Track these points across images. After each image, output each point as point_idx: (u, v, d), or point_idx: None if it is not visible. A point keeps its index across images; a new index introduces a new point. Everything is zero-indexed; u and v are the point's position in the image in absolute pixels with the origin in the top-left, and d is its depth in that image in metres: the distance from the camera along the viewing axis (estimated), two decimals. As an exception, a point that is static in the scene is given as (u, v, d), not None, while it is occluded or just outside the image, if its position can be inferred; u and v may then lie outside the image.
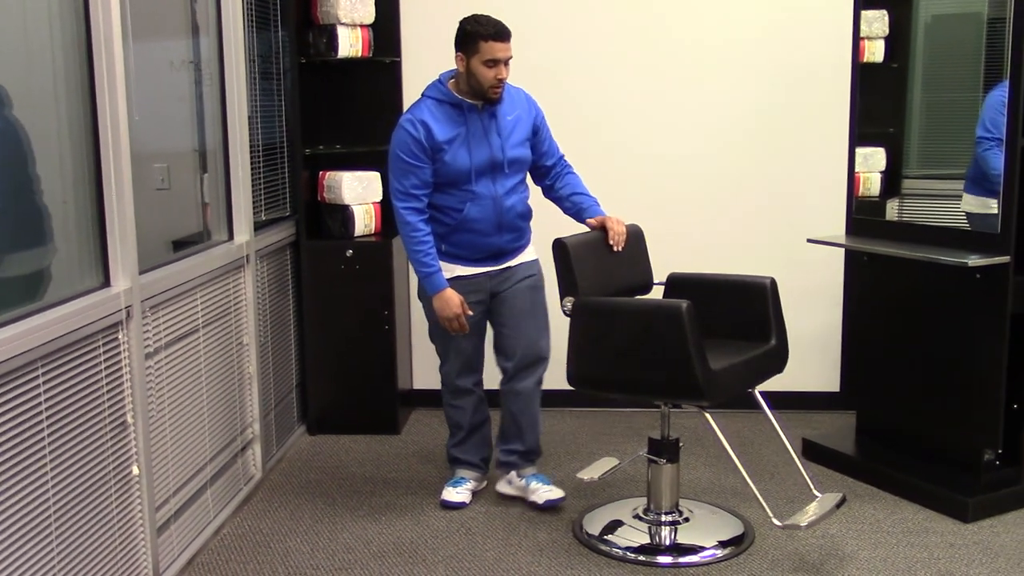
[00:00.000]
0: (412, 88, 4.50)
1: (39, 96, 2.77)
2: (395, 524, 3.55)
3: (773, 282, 3.39)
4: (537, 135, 3.57)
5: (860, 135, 4.03)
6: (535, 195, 3.66)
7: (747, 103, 4.54)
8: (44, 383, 2.45)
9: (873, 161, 4.07)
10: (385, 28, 4.51)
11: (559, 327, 3.47)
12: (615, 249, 3.49)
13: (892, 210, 4.10)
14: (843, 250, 4.41)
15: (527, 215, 3.59)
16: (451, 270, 3.49)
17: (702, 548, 3.31)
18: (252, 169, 3.94)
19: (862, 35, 3.97)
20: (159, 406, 3.07)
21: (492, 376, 3.73)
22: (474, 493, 3.75)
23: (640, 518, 3.45)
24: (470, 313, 3.50)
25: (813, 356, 4.58)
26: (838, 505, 3.24)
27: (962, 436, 3.62)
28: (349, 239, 4.36)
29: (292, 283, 4.40)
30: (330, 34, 4.28)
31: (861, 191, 4.05)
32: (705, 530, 3.42)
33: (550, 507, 3.59)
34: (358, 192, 4.38)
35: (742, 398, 3.40)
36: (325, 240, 4.40)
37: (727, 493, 3.77)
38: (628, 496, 3.71)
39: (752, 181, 4.58)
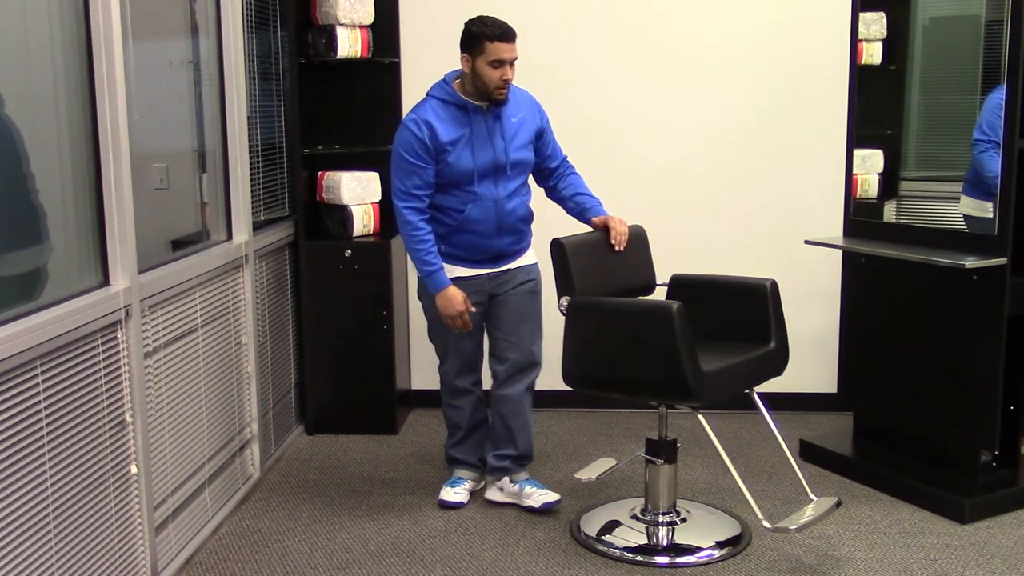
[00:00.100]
0: (411, 89, 4.51)
1: (39, 96, 2.77)
2: (393, 524, 3.55)
3: (774, 284, 3.39)
4: (541, 138, 3.58)
5: (858, 137, 4.04)
6: (537, 197, 3.67)
7: (745, 105, 4.55)
8: (43, 382, 2.45)
9: (871, 163, 4.08)
10: (384, 29, 4.51)
11: (555, 327, 3.47)
12: (617, 249, 3.50)
13: (890, 212, 4.11)
14: (841, 251, 4.42)
15: (528, 218, 3.59)
16: (450, 271, 3.49)
17: (699, 548, 3.31)
18: (251, 169, 3.95)
19: (860, 37, 3.97)
20: (158, 405, 3.07)
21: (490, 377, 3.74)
22: (472, 493, 3.75)
23: (637, 518, 3.46)
24: (473, 310, 3.50)
25: (811, 357, 4.58)
26: (832, 509, 3.24)
27: (959, 437, 3.63)
28: (348, 239, 4.37)
29: (291, 283, 4.40)
30: (329, 34, 4.28)
31: (859, 193, 4.05)
32: (702, 531, 3.43)
33: (547, 510, 3.60)
34: (357, 192, 4.38)
35: (740, 399, 3.41)
36: (324, 240, 4.41)
37: (724, 494, 3.78)
38: (626, 496, 3.72)
39: (750, 182, 4.59)
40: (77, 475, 2.61)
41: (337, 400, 4.44)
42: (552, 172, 3.66)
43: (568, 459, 4.14)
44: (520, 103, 3.52)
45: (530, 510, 3.61)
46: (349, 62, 4.42)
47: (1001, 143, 3.38)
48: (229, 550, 3.36)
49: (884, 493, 3.75)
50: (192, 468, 3.35)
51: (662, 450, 3.40)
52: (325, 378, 4.43)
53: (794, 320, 3.40)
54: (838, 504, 3.26)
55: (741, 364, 3.25)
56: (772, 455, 4.12)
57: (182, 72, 3.67)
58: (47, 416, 2.47)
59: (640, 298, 3.55)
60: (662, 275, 3.63)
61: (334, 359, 4.40)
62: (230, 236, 3.79)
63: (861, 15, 3.96)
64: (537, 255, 3.65)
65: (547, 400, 4.41)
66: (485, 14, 3.39)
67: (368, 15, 4.39)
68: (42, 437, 2.46)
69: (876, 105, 4.07)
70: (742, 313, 3.40)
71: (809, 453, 4.10)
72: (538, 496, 3.61)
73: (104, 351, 2.73)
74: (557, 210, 3.70)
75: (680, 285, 3.57)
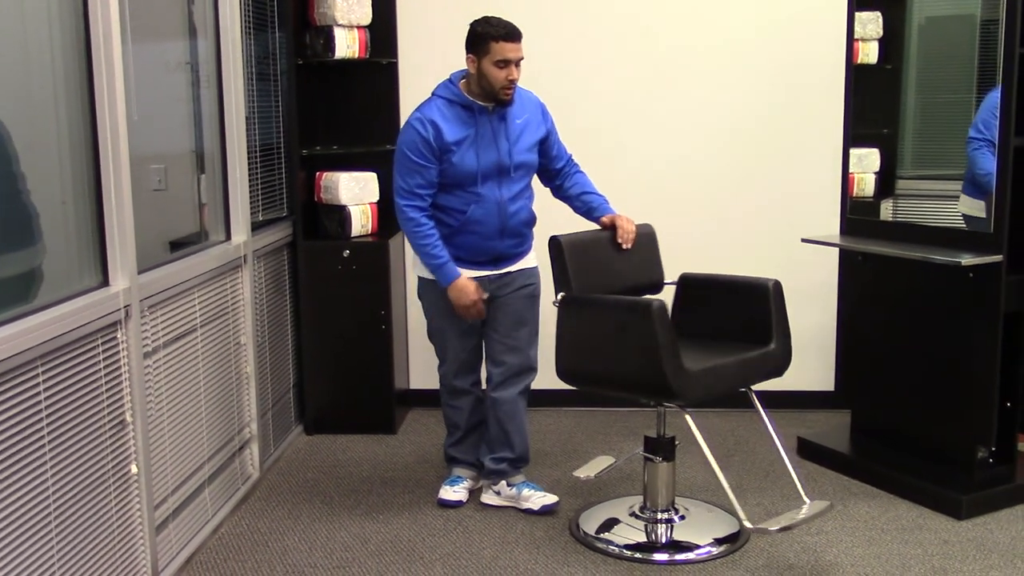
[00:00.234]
0: (409, 89, 4.52)
1: (39, 97, 2.78)
2: (392, 522, 3.56)
3: (777, 284, 3.38)
4: (546, 141, 3.58)
5: (854, 136, 4.05)
6: (540, 199, 3.66)
7: (742, 104, 4.56)
8: (44, 381, 2.46)
9: (867, 162, 4.09)
10: (382, 29, 4.52)
11: (554, 327, 3.47)
12: (624, 247, 3.51)
13: (886, 210, 4.13)
14: (838, 250, 4.44)
15: (531, 222, 3.59)
16: None
17: (698, 546, 3.33)
18: (249, 170, 3.95)
19: (856, 36, 3.99)
20: (157, 405, 3.08)
21: (489, 375, 3.74)
22: (471, 492, 3.76)
23: (636, 516, 3.47)
24: (486, 296, 3.50)
25: (808, 355, 4.59)
26: (823, 512, 3.22)
27: (956, 434, 3.64)
28: (346, 239, 4.38)
29: (289, 283, 4.41)
30: (327, 35, 4.29)
31: (856, 192, 4.07)
32: (701, 528, 3.44)
33: (546, 512, 3.60)
34: (355, 193, 4.39)
35: (739, 397, 3.42)
36: (322, 240, 4.41)
37: (722, 491, 3.76)
38: (624, 494, 3.73)
39: (748, 182, 4.60)
40: (78, 475, 2.62)
41: (336, 400, 4.45)
42: (558, 172, 3.67)
43: (567, 457, 4.15)
44: (525, 105, 3.52)
45: (529, 512, 3.62)
46: (347, 63, 4.43)
47: (996, 141, 3.40)
48: (229, 549, 3.37)
49: (881, 490, 3.76)
50: (192, 468, 3.36)
51: (660, 448, 3.41)
52: (324, 378, 4.44)
53: (792, 318, 3.41)
54: (829, 507, 3.25)
55: (733, 364, 3.26)
56: (770, 453, 4.13)
57: (180, 73, 3.68)
58: (48, 416, 2.48)
59: (626, 296, 3.54)
60: (666, 275, 3.64)
61: (333, 359, 4.41)
62: (229, 237, 3.80)
63: (857, 15, 3.97)
64: (539, 258, 3.64)
65: (546, 399, 4.42)
66: (485, 15, 3.40)
67: (366, 16, 4.40)
68: (43, 437, 2.47)
69: (872, 104, 4.08)
70: (746, 313, 3.41)
71: (807, 451, 4.11)
72: (536, 499, 3.62)
73: (104, 351, 2.74)
74: (561, 212, 3.70)
75: (688, 284, 3.59)
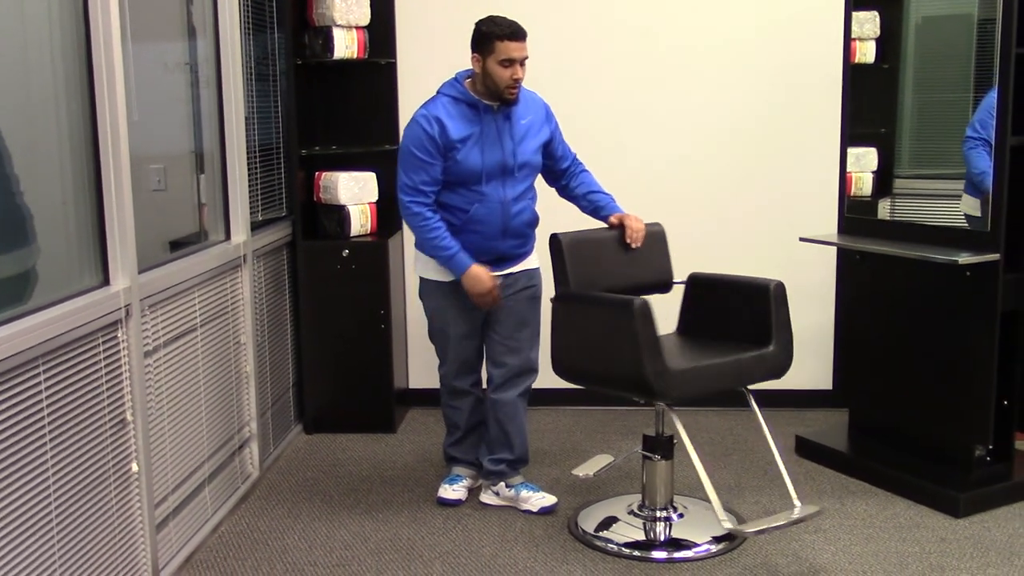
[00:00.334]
0: (408, 89, 4.53)
1: (39, 97, 2.79)
2: (392, 521, 3.57)
3: (778, 286, 3.37)
4: (551, 142, 3.59)
5: (852, 135, 4.06)
6: (544, 199, 3.66)
7: (740, 104, 4.57)
8: (45, 380, 2.47)
9: (865, 161, 4.11)
10: (380, 30, 4.53)
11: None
12: (633, 246, 3.52)
13: (884, 209, 4.14)
14: (835, 249, 4.45)
15: (534, 223, 3.59)
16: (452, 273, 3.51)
17: (696, 544, 3.34)
18: (249, 170, 3.96)
19: (854, 36, 4.00)
20: (158, 404, 3.09)
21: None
22: (470, 490, 3.77)
23: (635, 514, 3.48)
24: (499, 280, 3.49)
25: (806, 354, 4.60)
26: (809, 516, 3.23)
27: (953, 432, 3.66)
28: (345, 239, 4.39)
29: (288, 283, 4.42)
30: (326, 36, 4.30)
31: (853, 191, 4.08)
32: (699, 526, 3.45)
33: (545, 514, 3.61)
34: (354, 192, 4.40)
35: (736, 396, 3.43)
36: (321, 240, 4.43)
37: (721, 489, 3.79)
38: (623, 493, 3.74)
39: (746, 181, 4.61)
40: (79, 473, 2.63)
41: (335, 399, 4.46)
42: (564, 172, 3.68)
43: (565, 456, 4.16)
44: (530, 106, 3.52)
45: (528, 513, 3.63)
46: (345, 63, 4.44)
47: (992, 141, 3.41)
48: (229, 548, 3.38)
49: (879, 488, 3.77)
50: (192, 467, 3.37)
51: (659, 446, 3.42)
52: (323, 377, 4.44)
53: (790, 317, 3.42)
54: (817, 513, 3.25)
55: (723, 364, 3.27)
56: (769, 452, 4.12)
57: (179, 74, 3.68)
58: (49, 414, 2.49)
59: (612, 294, 3.53)
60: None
61: (332, 358, 4.42)
62: (228, 236, 3.81)
63: (854, 14, 3.98)
64: (542, 259, 3.63)
65: (543, 398, 4.43)
66: (488, 15, 3.41)
67: (364, 16, 4.41)
68: (44, 435, 2.48)
69: (870, 104, 4.09)
70: (748, 313, 3.41)
71: (805, 449, 4.12)
72: (535, 500, 3.63)
73: (105, 350, 2.75)
74: (566, 214, 3.69)
75: (697, 283, 3.60)
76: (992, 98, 3.43)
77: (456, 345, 3.62)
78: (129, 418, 2.88)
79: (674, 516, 3.46)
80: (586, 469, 3.64)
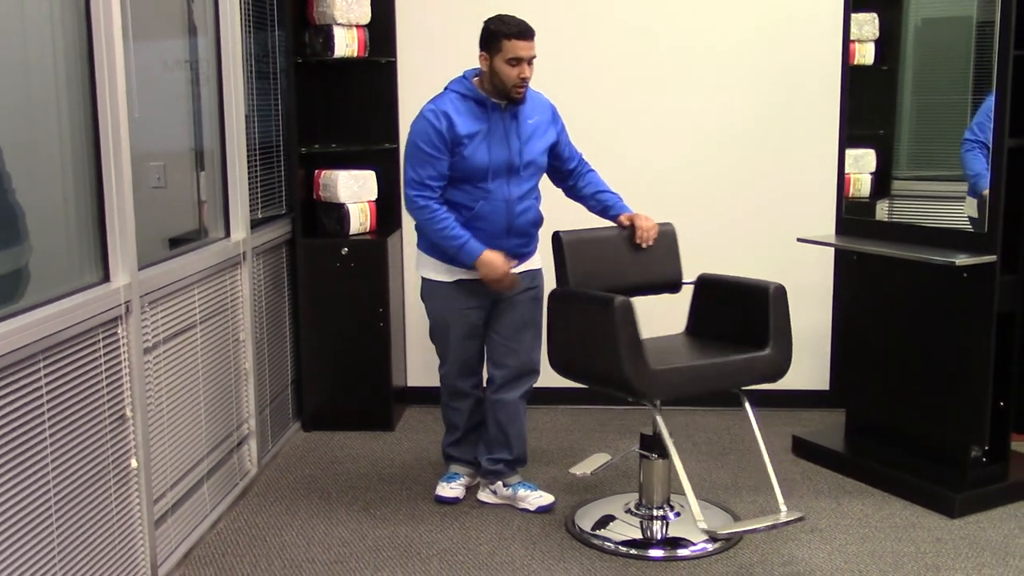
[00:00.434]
0: (408, 88, 4.54)
1: (41, 95, 2.79)
2: (390, 519, 3.58)
3: (777, 288, 3.37)
4: (558, 144, 3.59)
5: (850, 137, 4.07)
6: (548, 200, 3.66)
7: (739, 105, 4.58)
8: (45, 376, 2.48)
9: (863, 162, 4.12)
10: (381, 28, 4.54)
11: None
12: (643, 246, 3.53)
13: (882, 211, 4.15)
14: (833, 249, 4.45)
15: (538, 222, 3.59)
16: (455, 273, 3.49)
17: (693, 542, 3.35)
18: (249, 168, 3.97)
19: (853, 38, 4.01)
20: (157, 400, 3.10)
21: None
22: (468, 488, 3.78)
23: (632, 513, 3.49)
24: (515, 262, 3.50)
25: (803, 355, 4.59)
26: (789, 523, 3.23)
27: (950, 433, 3.67)
28: (344, 237, 4.40)
29: (288, 280, 4.43)
30: (326, 34, 4.31)
31: (851, 192, 4.09)
32: (696, 524, 3.45)
33: (542, 512, 3.62)
34: (354, 191, 4.41)
35: (734, 396, 3.44)
36: (321, 238, 4.43)
37: (717, 488, 3.81)
38: (620, 491, 3.75)
39: (745, 182, 4.62)
40: (78, 469, 2.64)
41: (334, 397, 4.47)
42: (571, 173, 3.68)
43: (563, 455, 4.17)
44: (537, 106, 3.53)
45: (525, 512, 3.63)
46: (346, 61, 4.45)
47: (989, 144, 3.42)
48: (228, 544, 3.39)
49: (876, 488, 3.79)
50: (191, 463, 3.38)
51: (656, 445, 3.43)
52: (322, 375, 4.45)
53: (787, 318, 3.43)
54: (799, 519, 3.25)
55: (712, 366, 3.28)
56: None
57: (180, 71, 3.69)
58: (49, 410, 2.50)
59: (597, 292, 3.52)
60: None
61: (331, 356, 4.43)
62: (228, 234, 3.82)
63: (853, 16, 3.99)
64: (544, 260, 3.63)
65: (542, 397, 4.44)
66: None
67: (365, 15, 4.42)
68: (44, 431, 2.49)
69: (868, 105, 4.10)
70: (748, 315, 3.42)
71: (802, 449, 4.14)
72: (533, 499, 3.63)
73: (105, 346, 2.76)
74: (572, 214, 3.69)
75: (705, 284, 3.61)
76: (991, 102, 3.44)
77: (457, 346, 3.62)
78: (128, 414, 2.89)
79: (671, 515, 3.47)
80: (583, 468, 3.66)
